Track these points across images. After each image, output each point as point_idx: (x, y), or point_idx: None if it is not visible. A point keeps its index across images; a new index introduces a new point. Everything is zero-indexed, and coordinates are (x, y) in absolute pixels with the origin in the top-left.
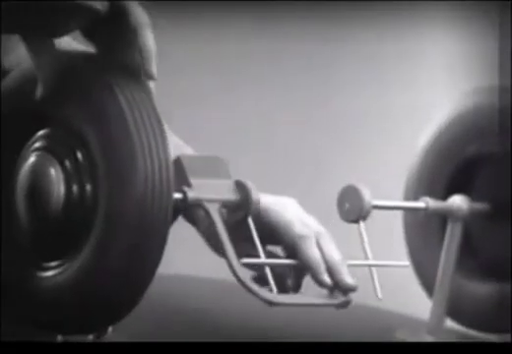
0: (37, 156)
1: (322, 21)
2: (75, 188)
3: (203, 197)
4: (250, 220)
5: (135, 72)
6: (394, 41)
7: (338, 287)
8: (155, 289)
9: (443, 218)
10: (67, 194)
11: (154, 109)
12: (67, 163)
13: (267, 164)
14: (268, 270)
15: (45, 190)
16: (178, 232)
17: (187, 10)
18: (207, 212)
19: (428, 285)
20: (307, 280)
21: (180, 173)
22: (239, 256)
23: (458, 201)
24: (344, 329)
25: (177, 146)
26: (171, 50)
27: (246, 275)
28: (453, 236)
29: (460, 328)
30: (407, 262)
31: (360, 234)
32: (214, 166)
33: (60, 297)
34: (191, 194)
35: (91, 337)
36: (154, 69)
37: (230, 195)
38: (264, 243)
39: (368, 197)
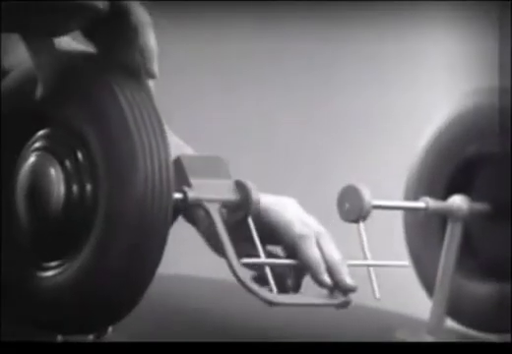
0: (37, 156)
1: (323, 21)
2: (75, 188)
3: (203, 197)
4: (250, 220)
5: (135, 72)
6: (394, 41)
7: (338, 287)
8: (155, 289)
9: (443, 218)
10: (67, 194)
11: (154, 109)
12: (67, 163)
13: (267, 164)
14: (268, 270)
15: (45, 190)
16: (178, 232)
17: (188, 10)
18: (207, 212)
19: (428, 285)
20: (307, 280)
21: (180, 173)
22: (239, 256)
23: (458, 201)
24: (344, 329)
25: (177, 145)
26: (172, 50)
27: (246, 275)
28: (453, 236)
29: (460, 328)
30: (406, 262)
31: (360, 234)
32: (214, 166)
33: (60, 297)
34: (191, 194)
35: (91, 337)
36: (155, 68)
37: (230, 195)
38: (264, 243)
39: (368, 197)
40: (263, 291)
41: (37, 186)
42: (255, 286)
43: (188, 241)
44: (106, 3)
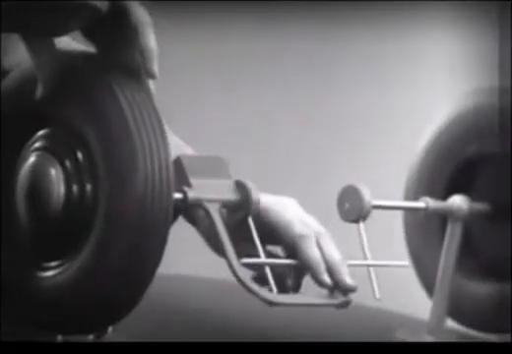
0: (38, 156)
1: (323, 21)
2: (75, 188)
3: (203, 197)
4: (250, 220)
5: (135, 72)
6: (394, 41)
7: (337, 287)
8: (155, 289)
9: (443, 218)
10: (67, 194)
11: (154, 109)
12: (67, 163)
13: (267, 164)
14: (268, 270)
15: (45, 190)
16: (178, 232)
17: (188, 10)
18: (207, 212)
19: (429, 285)
20: (307, 280)
21: (180, 173)
22: (239, 256)
23: (458, 201)
24: (344, 329)
25: (177, 146)
26: (172, 50)
27: (246, 275)
28: (453, 236)
29: (460, 328)
30: (406, 262)
31: (360, 234)
32: (214, 166)
33: (60, 297)
34: (191, 194)
35: (91, 337)
36: (155, 68)
37: (231, 195)
38: (264, 243)
39: (368, 197)
40: (263, 291)
41: (37, 186)
42: (255, 286)
43: (188, 241)
44: (107, 3)
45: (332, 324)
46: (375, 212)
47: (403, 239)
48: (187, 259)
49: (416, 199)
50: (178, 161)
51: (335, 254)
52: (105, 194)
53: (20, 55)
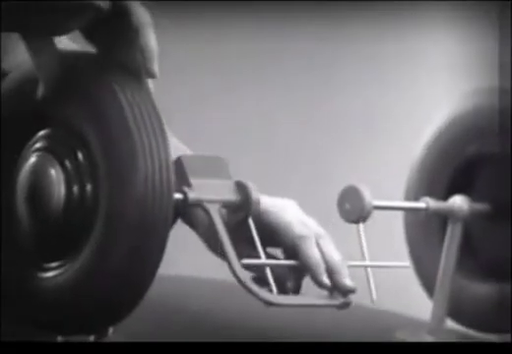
0: (38, 157)
1: (323, 21)
2: (75, 188)
3: (203, 197)
4: (251, 221)
5: (135, 72)
6: (394, 41)
7: (337, 288)
8: (155, 290)
9: (444, 219)
10: (67, 194)
11: (154, 109)
12: (67, 163)
13: (267, 164)
14: (268, 271)
15: (46, 190)
16: (178, 233)
17: (188, 10)
18: (207, 213)
19: (429, 285)
20: (307, 281)
21: (181, 173)
22: (239, 257)
23: (458, 201)
24: (344, 330)
25: (177, 147)
26: (172, 50)
27: (246, 276)
28: (453, 236)
29: (460, 329)
30: (407, 262)
31: (359, 235)
32: (214, 166)
33: (60, 298)
34: (192, 194)
35: (91, 338)
36: (155, 68)
37: (231, 195)
38: (264, 245)
39: (369, 197)
40: (263, 292)
41: (38, 186)
42: (255, 287)
43: (188, 242)
44: (108, 3)
45: (332, 324)
46: (375, 213)
47: (403, 239)
48: (187, 259)
49: (416, 199)
50: (179, 161)
51: (335, 255)
52: (106, 194)
53: (19, 56)
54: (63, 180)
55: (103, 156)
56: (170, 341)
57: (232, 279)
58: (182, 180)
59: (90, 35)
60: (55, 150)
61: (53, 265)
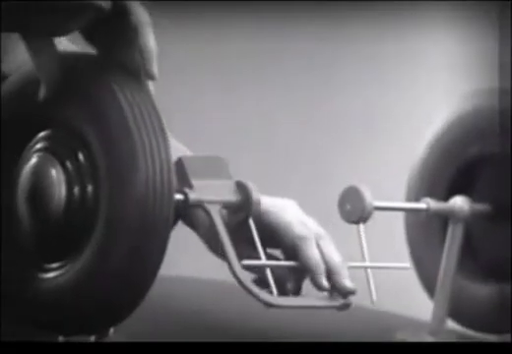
0: (39, 158)
1: (323, 21)
2: (76, 189)
3: (204, 198)
4: (251, 221)
5: (135, 72)
6: (394, 41)
7: (337, 290)
8: (155, 290)
9: (444, 219)
10: (68, 195)
11: (154, 109)
12: (68, 164)
13: (267, 164)
14: (268, 272)
15: (47, 191)
16: (179, 233)
17: (188, 10)
18: (208, 214)
19: (430, 286)
20: (308, 282)
21: (182, 174)
22: (240, 258)
23: (459, 202)
24: (344, 330)
25: (177, 148)
26: (172, 50)
27: (247, 277)
28: (454, 237)
29: (461, 329)
30: (407, 263)
31: (359, 236)
32: (215, 167)
33: (61, 298)
34: (192, 195)
35: (92, 339)
36: (154, 69)
37: (231, 196)
38: (264, 245)
39: (370, 198)
40: (263, 293)
41: (39, 187)
42: (255, 288)
43: (189, 243)
44: (110, 3)
45: (332, 324)
46: (376, 213)
47: (404, 240)
48: (188, 260)
49: (417, 200)
50: (180, 162)
51: (335, 256)
52: (106, 194)
53: (19, 58)
54: (64, 181)
55: (104, 157)
56: (170, 341)
57: (233, 280)
58: (183, 181)
59: (89, 36)
60: (56, 151)
61: (54, 265)
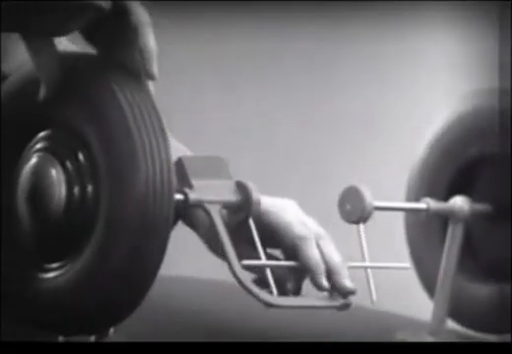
0: (39, 158)
1: (323, 21)
2: (76, 189)
3: (204, 198)
4: (251, 221)
5: (135, 72)
6: (394, 41)
7: (337, 290)
8: (155, 290)
9: (445, 219)
10: (68, 195)
11: (154, 109)
12: (68, 164)
13: (267, 164)
14: (268, 272)
15: (47, 191)
16: (178, 233)
17: (188, 10)
18: (208, 214)
19: (430, 286)
20: (308, 282)
21: (182, 174)
22: (240, 258)
23: (459, 202)
24: (344, 330)
25: (177, 148)
26: (172, 50)
27: (247, 277)
28: (454, 237)
29: (461, 329)
30: (407, 263)
31: (359, 236)
32: (215, 167)
33: (61, 299)
34: (192, 195)
35: (92, 339)
36: (154, 69)
37: (231, 196)
38: (264, 245)
39: (370, 198)
40: (263, 293)
41: (39, 187)
42: (255, 288)
43: (189, 242)
44: (109, 3)
45: (332, 324)
46: (376, 213)
47: (404, 240)
48: (187, 260)
49: (417, 200)
50: (180, 162)
51: (335, 256)
52: (106, 194)
53: (19, 58)
54: (64, 181)
55: (104, 157)
56: (170, 341)
57: (233, 280)
58: (183, 181)
59: (89, 36)
60: (56, 151)
61: (54, 265)
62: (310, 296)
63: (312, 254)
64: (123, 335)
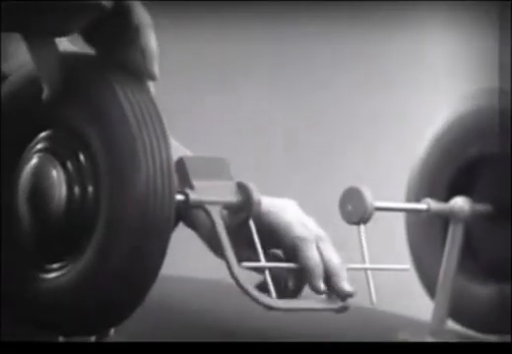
0: (39, 158)
1: (324, 22)
2: (77, 189)
3: (205, 199)
4: (251, 223)
5: (136, 72)
6: (394, 42)
7: (335, 292)
8: (155, 290)
9: (445, 220)
10: (69, 195)
11: (155, 109)
12: (69, 164)
13: (268, 165)
14: (267, 274)
15: (47, 191)
16: (180, 233)
17: (189, 10)
18: (208, 215)
19: (430, 286)
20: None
21: (183, 175)
22: (240, 259)
23: (460, 202)
24: (344, 330)
25: (177, 149)
26: (173, 51)
27: (246, 279)
28: (455, 237)
29: (461, 329)
30: (407, 265)
31: (360, 237)
32: (216, 167)
33: (62, 299)
34: (193, 196)
35: (92, 339)
36: (155, 69)
37: (232, 197)
38: (264, 246)
39: (370, 198)
40: (261, 295)
41: (39, 187)
42: (253, 290)
43: (188, 242)
44: (111, 2)
45: (332, 324)
46: (377, 214)
47: (404, 240)
48: (187, 260)
49: (417, 200)
50: (181, 162)
51: (334, 258)
52: (107, 194)
53: (20, 58)
54: (64, 181)
55: (104, 157)
56: (170, 341)
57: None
58: (184, 181)
59: (90, 38)
60: (56, 151)
61: (55, 266)
62: (309, 298)
63: (312, 255)
64: (123, 335)
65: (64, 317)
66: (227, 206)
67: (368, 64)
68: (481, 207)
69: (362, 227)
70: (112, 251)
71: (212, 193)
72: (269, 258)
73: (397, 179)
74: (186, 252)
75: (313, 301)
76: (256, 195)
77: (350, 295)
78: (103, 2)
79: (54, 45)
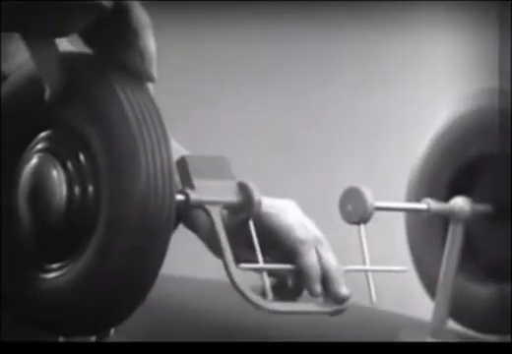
0: (40, 158)
1: (325, 23)
2: (77, 189)
3: (205, 199)
4: (251, 223)
5: (135, 74)
6: (394, 42)
7: (331, 296)
8: (156, 290)
9: (445, 220)
10: (69, 195)
11: (155, 109)
12: (69, 164)
13: (267, 166)
14: (265, 275)
15: (48, 191)
16: (180, 233)
17: (189, 11)
18: (208, 214)
19: (430, 286)
20: None
21: (184, 174)
22: (239, 260)
23: (460, 202)
24: (344, 330)
25: (178, 150)
26: (173, 52)
27: (242, 280)
28: (455, 237)
29: (461, 329)
30: (405, 266)
31: (360, 237)
32: (217, 167)
33: (62, 299)
34: (194, 196)
35: (92, 339)
36: (154, 71)
37: (233, 197)
38: (264, 247)
39: (371, 198)
40: (256, 297)
41: (40, 187)
42: (249, 291)
43: (189, 242)
44: (111, 2)
45: (332, 324)
46: (377, 214)
47: (405, 240)
48: (187, 260)
49: (417, 200)
50: (183, 161)
51: (332, 261)
52: (107, 194)
53: (20, 58)
54: (64, 181)
55: (105, 156)
56: (170, 341)
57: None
58: (186, 181)
59: (89, 39)
60: (56, 151)
61: (55, 266)
62: (305, 301)
63: (311, 258)
64: (124, 335)
65: (64, 317)
66: (228, 206)
67: (367, 64)
68: (482, 207)
69: (362, 227)
70: (112, 251)
71: (212, 192)
72: (267, 260)
73: (397, 179)
74: (186, 252)
75: (307, 304)
76: (257, 195)
77: (345, 299)
78: (103, 2)
79: (54, 45)
